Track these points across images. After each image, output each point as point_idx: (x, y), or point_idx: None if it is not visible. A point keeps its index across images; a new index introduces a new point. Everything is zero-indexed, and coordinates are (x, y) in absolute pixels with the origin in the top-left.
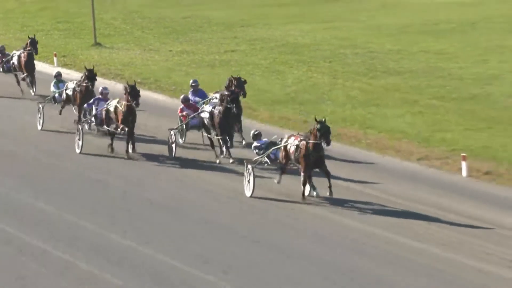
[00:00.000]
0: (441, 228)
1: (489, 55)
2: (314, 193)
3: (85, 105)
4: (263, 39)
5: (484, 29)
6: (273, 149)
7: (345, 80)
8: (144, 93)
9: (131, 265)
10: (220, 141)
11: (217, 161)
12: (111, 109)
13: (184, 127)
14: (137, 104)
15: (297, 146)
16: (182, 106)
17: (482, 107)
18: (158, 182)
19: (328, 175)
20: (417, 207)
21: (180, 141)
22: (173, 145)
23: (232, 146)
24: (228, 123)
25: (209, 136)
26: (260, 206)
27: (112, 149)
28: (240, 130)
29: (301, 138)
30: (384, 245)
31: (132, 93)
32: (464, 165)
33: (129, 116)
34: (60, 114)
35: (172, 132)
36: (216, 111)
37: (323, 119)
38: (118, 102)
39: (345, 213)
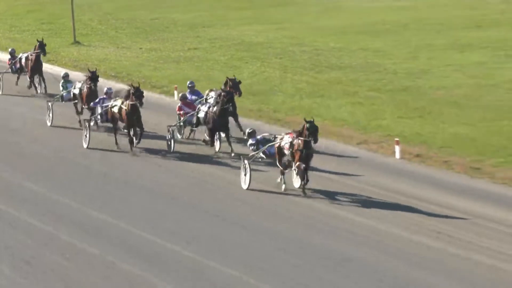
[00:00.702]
0: (377, 203)
1: (419, 52)
2: (283, 186)
3: (91, 103)
4: (222, 38)
5: (415, 30)
6: (268, 146)
7: (293, 74)
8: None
9: (106, 237)
10: (210, 136)
11: (216, 150)
12: (116, 109)
13: (182, 124)
14: (141, 104)
15: (291, 143)
16: (180, 104)
17: (413, 98)
18: (148, 171)
19: (306, 174)
20: (355, 185)
21: (179, 137)
22: (172, 141)
23: (230, 140)
24: (224, 121)
25: (194, 129)
26: (234, 189)
27: (117, 144)
28: (239, 125)
29: (295, 136)
30: (328, 219)
31: (137, 93)
32: (397, 148)
33: (134, 115)
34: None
35: (171, 128)
36: (210, 111)
37: (312, 119)
38: (122, 102)
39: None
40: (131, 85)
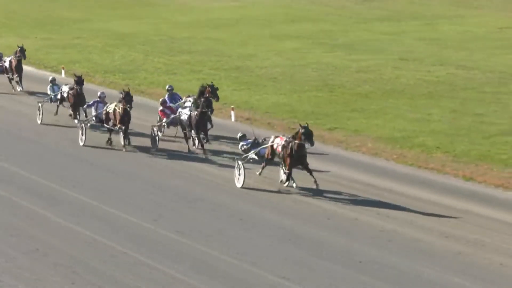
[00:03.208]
0: (221, 152)
1: (248, 41)
2: (294, 185)
3: (85, 105)
4: (99, 30)
5: (245, 24)
6: (261, 148)
7: (153, 57)
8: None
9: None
10: (195, 136)
11: (188, 150)
12: (110, 111)
13: (165, 124)
14: (130, 108)
15: (283, 146)
16: (161, 108)
17: (244, 75)
18: (120, 159)
19: (310, 171)
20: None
21: (160, 134)
22: (156, 138)
23: (208, 141)
24: (203, 123)
25: (184, 131)
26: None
27: (111, 142)
28: (211, 126)
29: (287, 139)
30: (180, 166)
31: (127, 98)
32: (232, 113)
33: (125, 117)
34: (56, 114)
35: (154, 128)
36: (193, 114)
37: (307, 124)
38: (116, 105)
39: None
40: (122, 91)
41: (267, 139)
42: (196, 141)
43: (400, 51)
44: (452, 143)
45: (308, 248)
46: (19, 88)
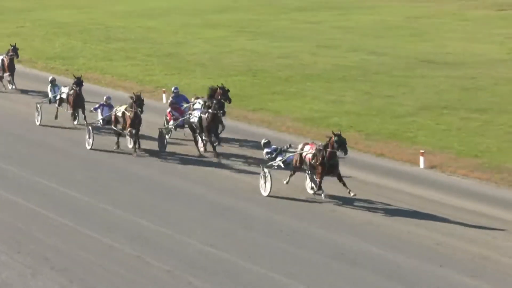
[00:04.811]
0: None
1: (179, 29)
2: (323, 195)
3: (92, 108)
4: (41, 19)
5: (176, 14)
6: (289, 156)
7: (91, 45)
8: None
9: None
10: (205, 140)
11: (198, 154)
12: (119, 114)
13: (173, 126)
14: (141, 111)
15: (314, 154)
16: (169, 109)
17: (175, 61)
18: (120, 159)
19: (341, 179)
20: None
21: (167, 137)
22: (164, 141)
23: (219, 143)
24: (215, 126)
25: (194, 134)
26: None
27: (118, 146)
28: (223, 128)
29: (317, 147)
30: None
31: (138, 102)
32: (164, 95)
33: (136, 120)
34: (56, 118)
35: (164, 130)
36: (204, 116)
37: (339, 132)
38: (126, 109)
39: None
40: (133, 94)
41: (292, 145)
42: (207, 144)
43: (317, 38)
44: (365, 123)
45: (237, 220)
46: (10, 87)
